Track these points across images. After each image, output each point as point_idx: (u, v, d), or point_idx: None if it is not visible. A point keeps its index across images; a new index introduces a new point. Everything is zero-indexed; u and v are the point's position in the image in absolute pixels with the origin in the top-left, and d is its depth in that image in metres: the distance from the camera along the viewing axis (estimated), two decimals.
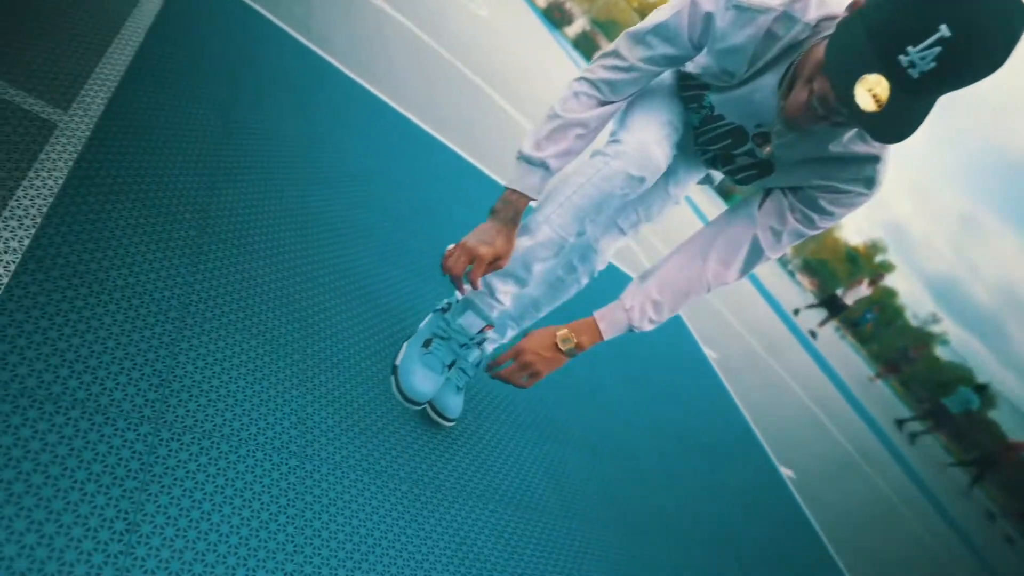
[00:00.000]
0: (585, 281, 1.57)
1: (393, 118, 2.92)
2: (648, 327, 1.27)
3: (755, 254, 1.25)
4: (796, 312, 12.65)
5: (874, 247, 57.10)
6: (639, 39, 1.14)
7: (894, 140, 0.86)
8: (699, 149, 1.33)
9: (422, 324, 1.51)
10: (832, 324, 14.62)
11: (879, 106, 0.81)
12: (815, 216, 1.17)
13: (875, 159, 1.06)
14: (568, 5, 26.07)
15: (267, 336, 1.29)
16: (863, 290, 11.46)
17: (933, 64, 0.77)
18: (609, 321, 1.26)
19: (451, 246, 1.25)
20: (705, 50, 1.11)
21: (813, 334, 12.15)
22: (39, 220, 1.09)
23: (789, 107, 0.97)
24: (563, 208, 1.23)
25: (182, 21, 2.08)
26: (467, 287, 1.27)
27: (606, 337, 1.26)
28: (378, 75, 3.23)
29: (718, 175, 1.45)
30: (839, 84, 0.83)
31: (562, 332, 1.26)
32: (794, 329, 11.41)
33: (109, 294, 1.08)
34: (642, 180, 1.18)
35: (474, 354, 1.48)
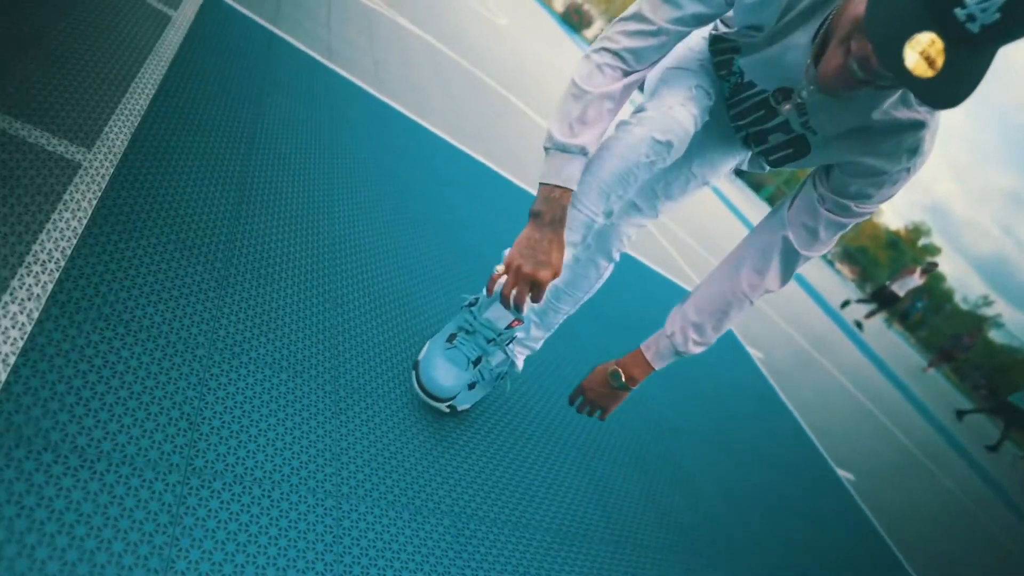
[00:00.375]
0: (607, 269, 1.47)
1: (421, 135, 2.89)
2: (696, 349, 1.22)
3: (790, 256, 1.16)
4: (845, 304, 12.18)
5: (916, 231, 55.08)
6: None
7: (950, 105, 0.74)
8: (732, 126, 1.23)
9: (448, 324, 1.44)
10: (880, 315, 14.07)
11: (934, 70, 0.70)
12: (850, 203, 1.07)
13: (920, 125, 0.95)
14: (586, 7, 25.98)
15: (297, 368, 1.24)
16: (915, 280, 10.93)
17: (997, 16, 0.66)
18: (655, 351, 1.25)
19: (499, 267, 1.16)
20: (735, 4, 1.00)
21: (859, 325, 11.69)
22: (63, 263, 1.07)
23: (824, 71, 0.85)
24: (588, 186, 1.12)
25: (205, 51, 2.08)
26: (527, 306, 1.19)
27: (656, 366, 1.24)
28: (401, 92, 3.21)
29: (745, 158, 1.35)
30: (885, 47, 0.72)
31: (611, 368, 1.27)
32: (839, 321, 11.02)
33: (135, 335, 1.05)
34: (669, 145, 1.08)
35: (498, 357, 1.37)
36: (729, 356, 3.81)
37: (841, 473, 3.45)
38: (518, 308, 1.14)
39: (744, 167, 1.38)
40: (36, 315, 0.96)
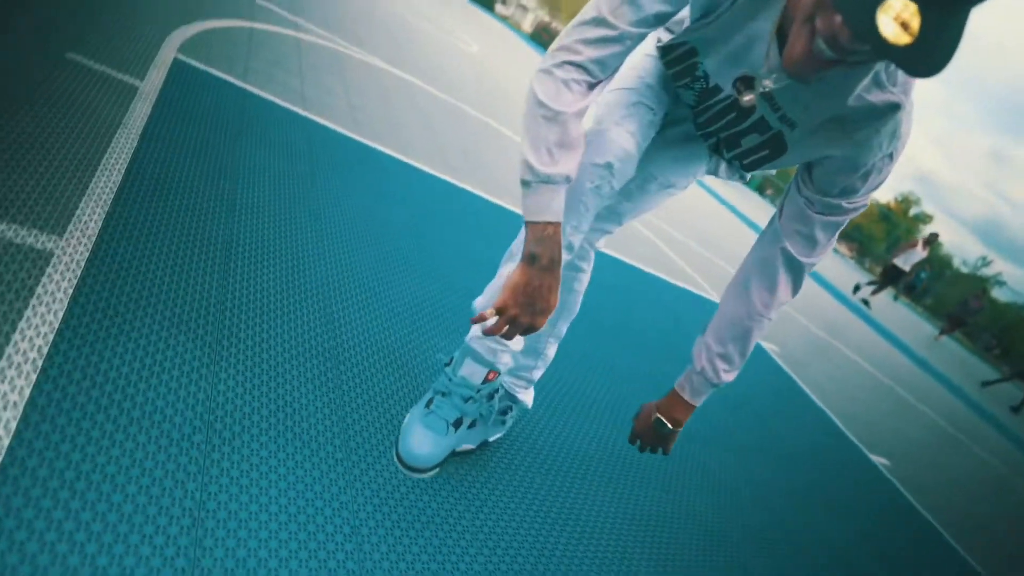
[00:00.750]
0: (582, 284, 1.40)
1: (405, 172, 2.84)
2: (729, 377, 1.20)
3: (793, 267, 1.12)
4: (856, 290, 12.08)
5: (906, 201, 55.08)
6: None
7: (932, 72, 0.68)
8: (701, 135, 1.17)
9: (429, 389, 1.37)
10: (886, 291, 13.99)
11: (911, 36, 0.65)
12: (839, 201, 1.02)
13: (896, 107, 0.90)
14: (554, 25, 26.33)
15: (304, 437, 1.17)
16: (919, 252, 10.88)
17: None
18: (690, 388, 1.23)
19: (486, 311, 1.06)
20: None
21: (866, 303, 11.60)
22: (40, 363, 1.00)
23: (789, 55, 0.79)
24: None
25: (176, 118, 2.04)
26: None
27: (696, 403, 1.24)
28: (381, 132, 3.18)
29: (719, 165, 1.28)
30: (857, 17, 0.66)
31: (654, 417, 1.26)
32: (845, 301, 10.93)
33: (125, 431, 0.98)
34: (609, 167, 1.06)
35: (482, 407, 1.30)
36: None
37: (876, 460, 3.35)
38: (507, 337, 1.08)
39: (721, 176, 1.32)
40: (14, 425, 0.89)
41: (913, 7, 0.64)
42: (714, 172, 1.31)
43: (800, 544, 1.94)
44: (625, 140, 1.07)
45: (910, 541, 2.62)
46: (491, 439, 1.46)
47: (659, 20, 0.96)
